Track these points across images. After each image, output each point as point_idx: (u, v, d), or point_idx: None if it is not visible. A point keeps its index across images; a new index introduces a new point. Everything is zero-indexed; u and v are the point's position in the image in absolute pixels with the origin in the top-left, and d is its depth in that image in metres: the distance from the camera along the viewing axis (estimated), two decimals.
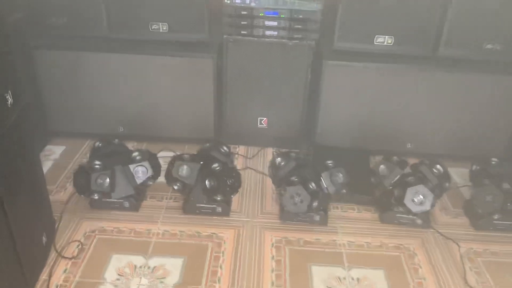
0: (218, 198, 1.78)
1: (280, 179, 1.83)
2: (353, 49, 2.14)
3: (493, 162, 1.89)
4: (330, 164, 1.82)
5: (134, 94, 2.25)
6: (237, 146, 2.42)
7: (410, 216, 1.83)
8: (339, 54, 2.15)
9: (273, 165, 1.87)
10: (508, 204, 1.74)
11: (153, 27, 2.12)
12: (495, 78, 2.12)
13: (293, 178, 1.73)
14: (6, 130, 1.33)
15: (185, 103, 2.27)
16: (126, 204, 1.87)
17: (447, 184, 1.83)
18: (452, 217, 1.96)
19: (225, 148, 1.90)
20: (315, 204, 1.72)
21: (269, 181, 2.11)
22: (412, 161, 2.31)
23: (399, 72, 2.14)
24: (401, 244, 1.79)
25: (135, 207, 1.88)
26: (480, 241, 1.82)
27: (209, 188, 1.74)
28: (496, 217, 1.79)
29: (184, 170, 1.76)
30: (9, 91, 1.33)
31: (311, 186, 1.72)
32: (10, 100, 1.34)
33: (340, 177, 1.79)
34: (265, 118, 2.32)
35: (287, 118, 2.31)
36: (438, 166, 1.83)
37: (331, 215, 1.90)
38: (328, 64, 2.13)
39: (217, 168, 1.75)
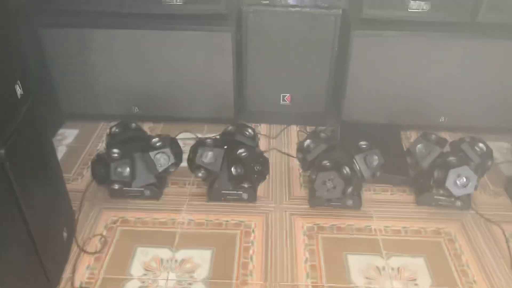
0: (246, 186, 1.68)
1: (310, 163, 1.71)
2: (384, 16, 1.96)
3: None
4: (364, 146, 1.70)
5: (148, 72, 2.12)
6: (258, 124, 2.29)
7: (449, 198, 1.72)
8: (369, 23, 1.98)
9: (301, 148, 1.75)
10: None
11: (166, 0, 1.96)
12: None
13: (325, 163, 1.61)
14: (18, 124, 1.22)
15: (202, 81, 2.13)
16: (148, 193, 1.77)
17: (489, 163, 1.71)
18: (492, 197, 1.84)
19: (249, 131, 1.78)
20: (349, 189, 1.61)
21: (294, 162, 2.01)
22: (445, 135, 2.20)
23: (434, 41, 1.97)
24: (440, 228, 1.69)
25: (157, 195, 1.79)
26: None
27: (236, 175, 1.63)
28: None
29: (208, 156, 1.65)
30: (19, 82, 1.21)
31: (344, 171, 1.60)
32: (20, 92, 1.22)
33: (375, 159, 1.67)
34: (288, 95, 2.18)
35: (311, 94, 2.17)
36: (480, 145, 1.69)
37: (364, 198, 1.79)
38: (356, 34, 1.97)
39: (244, 154, 1.63)
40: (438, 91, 2.10)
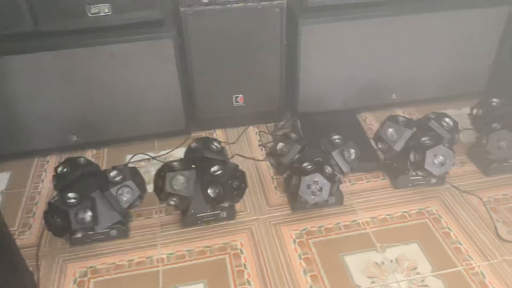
0: (226, 205, 1.54)
1: (288, 167, 1.62)
2: (329, 3, 1.90)
3: (494, 104, 1.81)
4: (338, 141, 1.63)
5: (83, 95, 1.87)
6: (213, 131, 2.14)
7: (425, 177, 1.72)
8: (314, 10, 1.90)
9: (273, 152, 1.65)
10: None
11: (92, 11, 1.72)
12: (470, 12, 2.00)
13: (307, 165, 1.53)
14: None
15: (146, 95, 1.93)
16: (114, 233, 1.57)
17: (457, 136, 1.72)
18: (459, 166, 1.88)
19: (216, 144, 1.64)
20: (334, 188, 1.54)
21: (263, 166, 1.90)
22: (398, 111, 2.22)
23: (380, 20, 1.94)
24: (423, 209, 1.68)
25: (124, 233, 1.59)
26: (496, 187, 1.77)
27: (214, 197, 1.49)
28: (511, 161, 1.72)
29: (179, 181, 1.48)
30: None
31: (327, 171, 1.53)
32: None
33: (352, 152, 1.62)
34: (240, 95, 2.05)
35: (265, 91, 2.06)
36: (447, 119, 1.70)
37: (343, 192, 1.74)
38: (304, 23, 1.88)
39: (218, 172, 1.49)
40: (388, 69, 2.09)
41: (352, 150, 1.61)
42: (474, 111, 1.85)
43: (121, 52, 1.80)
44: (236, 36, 1.88)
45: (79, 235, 1.45)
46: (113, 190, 1.48)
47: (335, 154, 1.60)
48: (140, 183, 1.55)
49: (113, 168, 1.54)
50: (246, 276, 1.46)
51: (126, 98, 1.92)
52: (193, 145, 1.64)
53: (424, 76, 2.15)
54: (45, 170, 1.94)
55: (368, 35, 1.96)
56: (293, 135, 1.67)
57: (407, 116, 2.11)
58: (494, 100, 1.81)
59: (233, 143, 2.06)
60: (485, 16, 2.03)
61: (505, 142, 1.67)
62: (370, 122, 2.18)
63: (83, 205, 1.42)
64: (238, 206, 1.70)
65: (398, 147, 1.68)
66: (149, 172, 1.90)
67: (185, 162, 1.56)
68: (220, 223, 1.64)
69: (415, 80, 2.15)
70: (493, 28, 2.07)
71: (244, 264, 1.49)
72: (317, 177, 1.50)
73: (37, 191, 1.83)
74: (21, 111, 1.84)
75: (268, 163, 1.92)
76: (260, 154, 1.99)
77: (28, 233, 1.64)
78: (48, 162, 1.98)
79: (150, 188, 1.62)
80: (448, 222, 1.63)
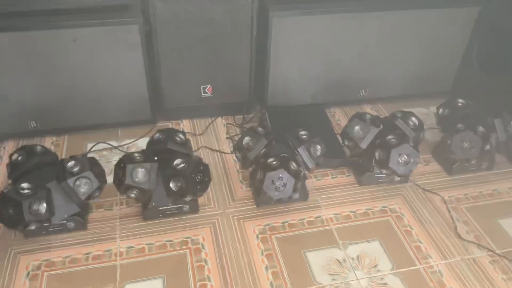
0: (188, 199, 1.51)
1: (253, 162, 1.59)
2: None
3: (459, 104, 1.83)
4: (305, 136, 1.62)
5: (43, 80, 1.79)
6: (180, 121, 2.10)
7: (389, 175, 1.73)
8: (285, 2, 1.87)
9: (240, 147, 1.62)
10: (486, 146, 1.70)
11: None
12: (440, 11, 2.01)
13: (272, 161, 1.51)
14: None
15: (110, 82, 1.87)
16: (71, 224, 1.52)
17: (422, 135, 1.74)
18: (423, 165, 1.90)
19: (180, 136, 1.59)
20: (299, 184, 1.53)
21: (229, 159, 1.87)
22: (366, 108, 2.23)
23: (351, 15, 1.93)
24: (386, 206, 1.70)
25: (82, 226, 1.54)
26: (458, 187, 1.79)
27: (176, 190, 1.45)
28: (473, 162, 1.75)
29: (139, 173, 1.44)
30: None
31: (292, 167, 1.51)
32: None
33: (318, 149, 1.60)
34: (209, 86, 2.01)
35: (234, 82, 2.03)
36: (413, 118, 1.71)
37: (308, 187, 1.73)
38: (275, 14, 1.85)
39: (182, 165, 1.45)
40: (358, 65, 2.09)
41: (318, 146, 1.60)
42: (440, 110, 1.86)
43: (84, 37, 1.72)
44: (205, 25, 1.83)
45: (33, 227, 1.38)
46: (70, 181, 1.42)
47: (301, 150, 1.58)
48: (100, 174, 1.50)
49: (71, 158, 1.48)
50: (206, 272, 1.43)
51: (89, 84, 1.85)
52: (156, 136, 1.60)
53: (393, 74, 2.16)
54: (1, 157, 1.85)
55: (339, 29, 1.95)
56: (260, 129, 1.64)
57: (375, 113, 2.15)
58: (460, 100, 1.83)
59: (200, 134, 2.02)
60: (455, 16, 2.04)
61: (468, 143, 1.70)
62: (339, 117, 2.18)
63: (38, 196, 1.36)
64: (201, 199, 1.67)
65: (364, 144, 1.68)
66: (110, 162, 1.84)
67: (147, 154, 1.51)
68: (183, 217, 1.61)
69: (384, 77, 2.16)
70: (462, 28, 2.09)
71: (205, 260, 1.47)
72: (282, 173, 1.48)
73: None
74: None
75: (234, 156, 1.89)
76: (227, 146, 1.96)
77: None
78: (4, 148, 1.90)
79: (110, 179, 1.57)
80: (410, 220, 1.64)
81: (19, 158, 1.48)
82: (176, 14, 1.77)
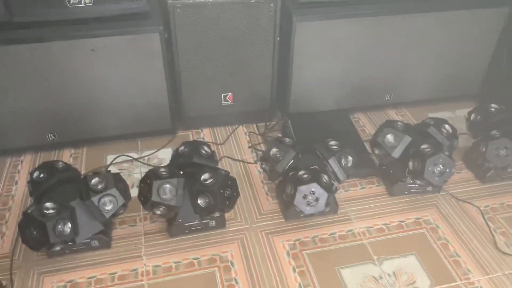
0: (216, 215, 1.45)
1: (282, 174, 1.53)
2: None
3: (492, 109, 1.75)
4: (335, 147, 1.55)
5: (61, 91, 1.73)
6: (200, 130, 2.04)
7: (421, 184, 1.66)
8: (309, 6, 1.80)
9: (267, 157, 1.56)
10: None
11: (72, 2, 1.58)
12: (468, 13, 1.93)
13: (303, 174, 1.44)
14: None
15: (129, 92, 1.81)
16: (95, 243, 1.47)
17: (456, 143, 1.67)
18: (455, 172, 1.83)
19: (206, 148, 1.53)
20: (331, 199, 1.46)
21: (253, 170, 1.81)
22: (391, 113, 2.16)
23: (377, 19, 1.86)
24: (419, 218, 1.63)
25: (107, 244, 1.49)
26: (493, 196, 1.72)
27: (204, 207, 1.39)
28: (510, 170, 1.68)
29: (166, 190, 1.38)
30: None
31: (324, 180, 1.45)
32: None
33: (350, 160, 1.54)
34: (229, 94, 1.95)
35: (255, 90, 1.96)
36: (446, 126, 1.64)
37: (337, 199, 1.66)
38: (298, 19, 1.78)
39: (210, 181, 1.39)
40: (383, 69, 2.02)
41: (350, 157, 1.54)
42: (472, 116, 1.79)
43: (103, 46, 1.67)
44: (226, 32, 1.77)
45: (57, 248, 1.33)
46: (95, 200, 1.36)
47: (331, 161, 1.52)
48: (124, 190, 1.44)
49: (94, 174, 1.43)
50: None
51: (108, 94, 1.79)
52: (181, 149, 1.54)
53: (419, 77, 2.09)
54: (19, 171, 1.80)
55: (363, 33, 1.88)
56: (287, 140, 1.58)
57: (400, 118, 2.08)
58: (493, 105, 1.76)
59: (221, 143, 1.96)
60: (483, 17, 1.96)
61: (504, 151, 1.63)
62: (363, 123, 2.11)
63: (62, 216, 1.30)
64: (227, 213, 1.61)
65: (396, 154, 1.61)
66: (131, 175, 1.79)
67: (173, 168, 1.45)
68: (209, 232, 1.55)
69: (409, 81, 2.09)
70: (490, 30, 2.01)
71: (235, 279, 1.41)
72: (314, 187, 1.42)
73: (10, 195, 1.70)
74: None
75: (258, 166, 1.83)
76: (250, 156, 1.90)
77: (0, 242, 1.51)
78: (22, 162, 1.85)
79: (133, 192, 1.52)
80: (445, 233, 1.57)
81: (41, 175, 1.43)
82: (196, 21, 1.71)
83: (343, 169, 1.53)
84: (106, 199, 1.38)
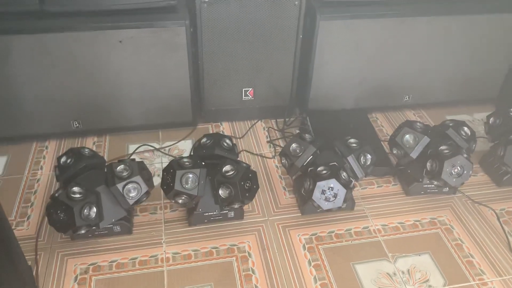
0: (236, 207, 1.49)
1: (301, 170, 1.56)
2: None
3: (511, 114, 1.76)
4: (355, 145, 1.58)
5: (87, 80, 1.78)
6: (220, 124, 2.07)
7: (437, 184, 1.68)
8: (332, 5, 1.83)
9: (287, 153, 1.59)
10: None
11: None
12: (490, 16, 1.94)
13: (322, 170, 1.47)
14: None
15: (153, 84, 1.85)
16: (117, 228, 1.51)
17: (474, 146, 1.68)
18: (472, 175, 1.84)
19: (227, 141, 1.57)
20: (348, 195, 1.49)
21: (271, 164, 1.85)
22: (409, 114, 2.17)
23: (400, 20, 1.87)
24: (435, 218, 1.65)
25: (128, 230, 1.53)
26: (508, 199, 1.73)
27: (225, 198, 1.43)
28: None
29: (189, 180, 1.42)
30: None
31: (343, 176, 1.47)
32: None
33: (368, 158, 1.56)
34: (250, 89, 1.98)
35: (276, 86, 1.99)
36: (465, 128, 1.66)
37: (353, 196, 1.69)
38: (322, 18, 1.80)
39: (231, 173, 1.43)
40: (403, 70, 2.03)
41: (369, 156, 1.56)
42: (491, 120, 1.80)
43: (130, 38, 1.71)
44: (251, 28, 1.80)
45: (82, 231, 1.38)
46: (119, 186, 1.40)
47: (350, 159, 1.54)
48: (148, 178, 1.48)
49: (120, 161, 1.47)
50: (254, 281, 1.41)
51: (132, 85, 1.84)
52: (203, 140, 1.57)
53: (438, 80, 2.10)
54: (44, 157, 1.85)
55: (385, 34, 1.89)
56: (307, 136, 1.61)
57: (418, 119, 2.09)
58: None
59: (240, 137, 1.99)
60: (504, 22, 1.97)
61: None
62: (381, 123, 2.13)
63: (88, 201, 1.35)
64: (246, 205, 1.64)
65: (414, 154, 1.63)
66: (153, 164, 1.83)
67: (196, 159, 1.49)
68: (227, 223, 1.59)
69: (429, 83, 2.10)
70: (511, 34, 2.02)
71: (252, 269, 1.45)
72: (333, 183, 1.44)
73: (36, 179, 1.75)
74: (22, 93, 1.75)
75: (276, 161, 1.87)
76: (268, 150, 1.93)
77: (26, 224, 1.57)
78: (47, 148, 1.90)
79: (155, 181, 1.56)
80: (460, 233, 1.59)
81: (68, 161, 1.48)
82: (221, 16, 1.75)
83: (361, 167, 1.55)
84: (131, 186, 1.42)
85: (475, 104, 2.23)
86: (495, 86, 2.19)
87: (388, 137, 1.74)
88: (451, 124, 1.68)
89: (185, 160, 1.46)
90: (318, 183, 1.45)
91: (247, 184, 1.46)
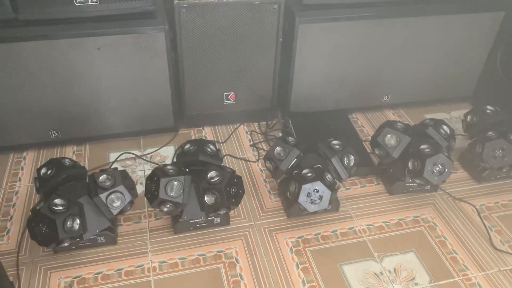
0: (222, 213, 1.48)
1: (286, 173, 1.56)
2: (325, 1, 1.84)
3: (488, 111, 1.81)
4: (337, 146, 1.59)
5: (65, 88, 1.75)
6: (202, 128, 2.06)
7: (419, 183, 1.70)
8: (311, 8, 1.84)
9: (271, 157, 1.59)
10: None
11: (78, 0, 1.59)
12: (465, 16, 1.98)
13: (307, 173, 1.48)
14: None
15: (133, 90, 1.83)
16: (101, 239, 1.48)
17: (453, 144, 1.72)
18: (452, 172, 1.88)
19: (211, 146, 1.56)
20: (333, 197, 1.50)
21: (255, 168, 1.84)
22: (388, 113, 2.20)
23: (378, 21, 1.89)
24: (417, 216, 1.67)
25: (113, 240, 1.51)
26: (488, 195, 1.77)
27: (211, 204, 1.42)
28: (504, 170, 1.73)
29: (174, 187, 1.40)
30: None
31: (328, 178, 1.48)
32: None
33: (352, 159, 1.58)
34: (232, 93, 1.98)
35: (257, 89, 1.99)
36: (444, 127, 1.69)
37: (338, 197, 1.70)
38: (301, 21, 1.81)
39: (216, 179, 1.42)
40: (381, 71, 2.06)
41: (352, 157, 1.57)
42: (469, 117, 1.84)
43: (108, 45, 1.68)
44: (230, 32, 1.79)
45: (66, 244, 1.35)
46: (103, 196, 1.38)
47: (334, 160, 1.56)
48: (131, 187, 1.46)
49: (102, 171, 1.44)
50: (243, 287, 1.40)
51: (112, 92, 1.81)
52: (187, 147, 1.56)
53: (416, 79, 2.13)
54: (22, 168, 1.81)
55: (363, 36, 1.92)
56: (290, 139, 1.61)
57: (397, 118, 2.13)
58: (489, 107, 1.81)
59: (223, 142, 1.99)
60: (479, 21, 2.02)
61: (500, 151, 1.68)
62: (362, 123, 2.15)
63: (71, 213, 1.32)
64: (231, 211, 1.63)
65: (396, 154, 1.65)
66: (135, 172, 1.81)
67: (180, 166, 1.47)
68: (213, 229, 1.58)
69: (406, 83, 2.14)
70: (486, 34, 2.07)
71: (240, 274, 1.44)
72: (318, 185, 1.45)
73: (14, 191, 1.71)
74: None
75: (259, 164, 1.87)
76: (251, 154, 1.93)
77: (6, 239, 1.52)
78: (25, 159, 1.85)
79: (138, 189, 1.54)
80: (443, 231, 1.62)
81: (48, 172, 1.44)
82: (200, 20, 1.73)
83: (345, 168, 1.57)
84: (114, 196, 1.40)
85: (452, 102, 2.28)
86: (470, 84, 2.24)
87: (369, 137, 1.76)
88: (431, 123, 1.71)
89: (169, 167, 1.45)
90: (304, 186, 1.45)
91: (233, 190, 1.45)
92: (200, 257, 1.49)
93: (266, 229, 1.59)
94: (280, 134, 2.00)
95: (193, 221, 1.54)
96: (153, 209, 1.59)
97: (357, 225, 1.63)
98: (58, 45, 1.64)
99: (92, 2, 1.61)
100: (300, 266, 1.47)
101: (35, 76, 1.68)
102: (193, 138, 2.00)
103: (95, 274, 1.42)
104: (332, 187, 1.48)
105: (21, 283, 1.38)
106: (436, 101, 2.26)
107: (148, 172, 1.75)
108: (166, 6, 1.77)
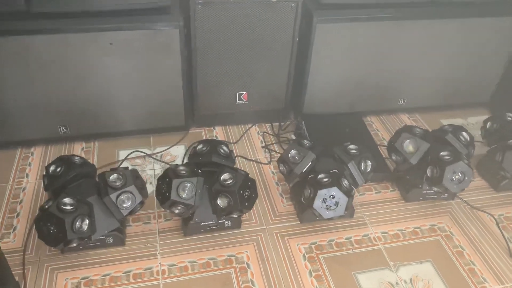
0: (234, 216, 1.44)
1: (300, 177, 1.52)
2: (344, 1, 1.79)
3: (509, 118, 1.75)
4: (354, 151, 1.54)
5: (75, 83, 1.71)
6: (213, 128, 2.02)
7: (437, 190, 1.66)
8: (329, 8, 1.79)
9: (286, 160, 1.54)
10: None
11: None
12: (486, 20, 1.93)
13: (323, 178, 1.43)
14: None
15: (145, 87, 1.79)
16: (110, 240, 1.45)
17: (472, 151, 1.66)
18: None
19: (224, 148, 1.52)
20: (350, 203, 1.45)
21: (266, 170, 1.80)
22: (403, 117, 2.15)
23: (397, 23, 1.84)
24: (434, 225, 1.62)
25: (121, 241, 1.47)
26: (507, 204, 1.72)
27: (224, 207, 1.38)
28: None
29: (185, 189, 1.36)
30: None
31: (344, 184, 1.44)
32: None
33: (369, 165, 1.53)
34: (244, 93, 1.93)
35: (270, 89, 1.95)
36: (464, 134, 1.64)
37: (353, 203, 1.66)
38: (319, 20, 1.76)
39: (230, 182, 1.38)
40: (399, 74, 2.01)
41: (369, 162, 1.53)
42: (488, 124, 1.79)
43: (121, 40, 1.64)
44: (246, 31, 1.75)
45: (74, 244, 1.31)
46: (113, 196, 1.34)
47: (351, 165, 1.51)
48: (142, 187, 1.42)
49: (112, 170, 1.40)
50: None
51: (123, 89, 1.77)
52: (199, 147, 1.52)
53: (433, 83, 2.08)
54: (29, 164, 1.77)
55: (381, 37, 1.87)
56: (305, 142, 1.57)
57: (413, 123, 2.08)
58: (510, 114, 1.76)
59: (234, 143, 1.94)
60: (500, 26, 1.96)
61: None
62: (376, 126, 2.10)
63: (80, 213, 1.28)
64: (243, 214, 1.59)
65: (414, 160, 1.60)
66: (145, 171, 1.77)
67: (192, 167, 1.43)
68: (224, 233, 1.53)
69: (424, 87, 2.08)
70: (506, 38, 2.01)
71: (252, 280, 1.40)
72: (335, 191, 1.40)
73: (21, 187, 1.67)
74: (6, 97, 1.67)
75: (271, 167, 1.82)
76: (263, 156, 1.88)
77: (12, 237, 1.49)
78: (32, 154, 1.82)
79: (148, 189, 1.50)
80: (460, 240, 1.57)
81: (57, 169, 1.40)
82: (216, 17, 1.69)
83: (362, 174, 1.52)
84: (124, 196, 1.36)
85: (469, 108, 2.22)
86: (488, 90, 2.19)
87: (384, 141, 1.72)
88: (450, 129, 1.66)
89: (181, 168, 1.40)
90: (319, 192, 1.41)
91: (246, 193, 1.41)
92: (211, 261, 1.45)
93: (278, 234, 1.55)
94: (293, 136, 1.96)
95: (204, 223, 1.49)
96: (162, 209, 1.56)
97: (372, 232, 1.58)
98: (70, 39, 1.60)
99: None
100: (314, 274, 1.43)
101: (46, 70, 1.64)
102: (204, 137, 1.96)
103: (103, 276, 1.38)
104: (348, 193, 1.44)
105: (27, 283, 1.35)
106: (453, 107, 2.20)
107: (158, 171, 1.73)
108: (181, 2, 1.72)
